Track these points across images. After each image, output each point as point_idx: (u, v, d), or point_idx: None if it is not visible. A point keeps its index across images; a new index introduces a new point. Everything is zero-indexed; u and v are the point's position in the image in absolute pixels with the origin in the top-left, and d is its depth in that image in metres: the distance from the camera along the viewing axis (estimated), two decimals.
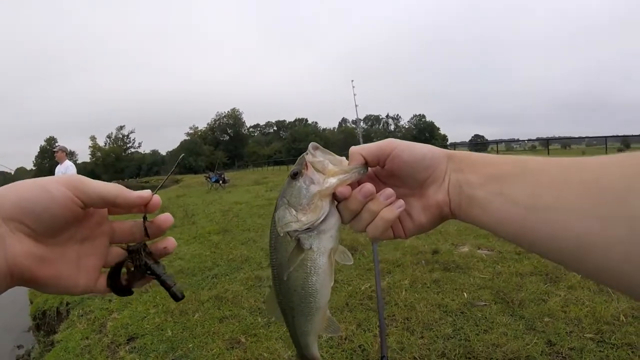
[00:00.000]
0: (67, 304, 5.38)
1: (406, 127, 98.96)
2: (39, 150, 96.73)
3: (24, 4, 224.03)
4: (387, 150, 0.62)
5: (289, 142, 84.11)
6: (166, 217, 0.60)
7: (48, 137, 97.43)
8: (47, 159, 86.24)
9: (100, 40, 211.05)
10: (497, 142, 29.45)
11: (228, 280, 5.15)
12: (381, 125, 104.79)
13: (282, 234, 0.65)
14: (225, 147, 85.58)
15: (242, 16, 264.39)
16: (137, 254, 0.56)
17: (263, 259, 5.92)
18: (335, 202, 0.65)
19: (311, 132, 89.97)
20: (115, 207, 0.55)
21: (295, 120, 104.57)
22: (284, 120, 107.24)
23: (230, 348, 3.53)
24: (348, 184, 0.63)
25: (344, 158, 0.66)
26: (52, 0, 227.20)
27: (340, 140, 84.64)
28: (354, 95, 3.42)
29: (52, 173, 8.04)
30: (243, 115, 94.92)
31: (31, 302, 6.40)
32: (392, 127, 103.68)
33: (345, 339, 3.39)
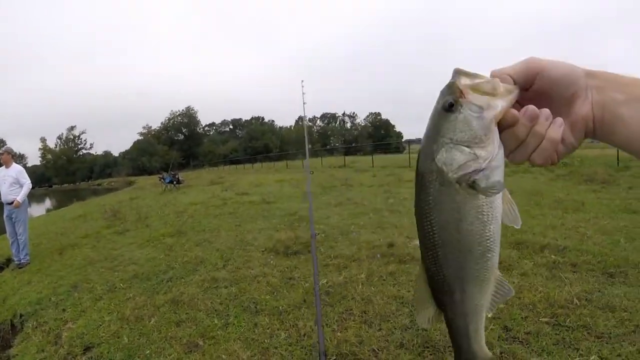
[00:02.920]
0: (21, 315, 5.17)
1: (362, 124, 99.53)
2: None
3: None
4: (536, 69, 0.59)
5: (246, 141, 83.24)
6: None
7: None
8: None
9: (44, 39, 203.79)
10: None
11: (183, 283, 5.07)
12: (337, 122, 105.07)
13: (452, 182, 0.56)
14: (180, 147, 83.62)
15: (197, 12, 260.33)
16: None
17: (218, 260, 5.89)
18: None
19: (267, 130, 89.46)
20: None
21: (252, 118, 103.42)
22: (240, 119, 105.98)
23: (189, 352, 3.50)
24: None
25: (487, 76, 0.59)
26: None
27: (296, 138, 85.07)
28: (303, 94, 3.42)
29: None
30: (198, 114, 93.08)
31: None
32: (348, 125, 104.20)
33: (304, 336, 3.43)
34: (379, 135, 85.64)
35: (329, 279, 4.50)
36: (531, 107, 0.57)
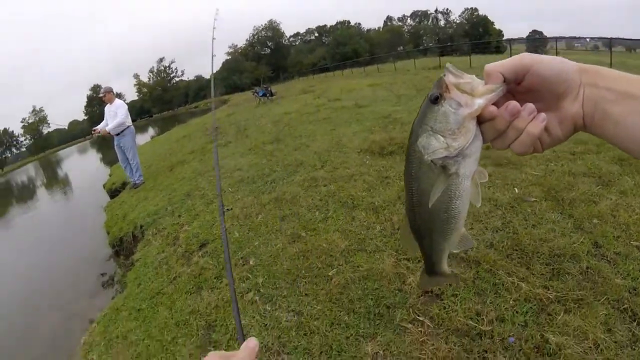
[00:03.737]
0: (141, 226, 5.83)
1: (457, 22, 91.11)
2: (86, 100, 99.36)
3: None
4: (526, 66, 0.61)
5: (333, 47, 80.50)
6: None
7: (93, 85, 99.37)
8: (96, 106, 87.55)
9: None
10: (556, 39, 27.02)
11: (285, 184, 5.36)
12: (430, 21, 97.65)
13: (427, 162, 0.64)
14: (267, 61, 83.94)
15: None
16: None
17: (316, 162, 6.07)
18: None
19: (355, 34, 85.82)
20: None
21: (337, 23, 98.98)
22: (325, 25, 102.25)
23: (292, 242, 3.78)
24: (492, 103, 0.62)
25: (473, 76, 0.64)
26: None
27: (386, 40, 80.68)
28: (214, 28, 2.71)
29: (102, 118, 8.37)
30: (281, 26, 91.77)
31: (108, 233, 6.93)
32: (442, 23, 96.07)
33: (397, 229, 3.52)
34: (477, 34, 77.77)
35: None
36: (513, 103, 0.60)
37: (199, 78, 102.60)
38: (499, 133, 0.63)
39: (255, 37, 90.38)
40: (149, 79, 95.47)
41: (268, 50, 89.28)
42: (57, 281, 6.27)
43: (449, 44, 65.83)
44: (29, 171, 50.48)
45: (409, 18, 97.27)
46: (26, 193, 26.43)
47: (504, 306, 2.44)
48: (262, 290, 3.20)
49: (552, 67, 0.60)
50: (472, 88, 0.62)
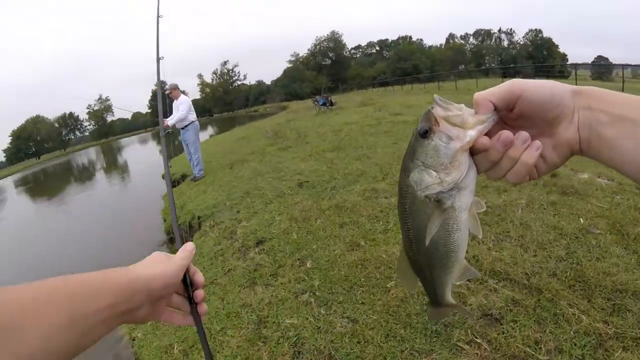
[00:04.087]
0: (199, 217, 6.01)
1: (521, 43, 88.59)
2: (151, 94, 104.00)
3: None
4: (517, 93, 0.59)
5: (394, 62, 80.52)
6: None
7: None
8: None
9: None
10: (623, 66, 25.75)
11: (346, 192, 5.34)
12: (493, 40, 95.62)
13: (421, 198, 0.63)
14: (328, 72, 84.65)
15: None
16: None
17: (378, 173, 6.03)
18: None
19: (416, 50, 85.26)
20: None
21: (399, 38, 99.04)
22: (387, 39, 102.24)
23: (351, 250, 3.75)
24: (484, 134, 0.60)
25: (462, 105, 0.62)
26: None
27: (447, 58, 79.73)
28: (157, 30, 2.21)
29: (165, 113, 8.78)
30: (343, 37, 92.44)
31: (164, 220, 7.24)
32: (505, 43, 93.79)
33: None
34: (540, 57, 76.15)
35: (488, 199, 4.39)
36: (505, 133, 0.58)
37: (259, 83, 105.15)
38: (493, 164, 0.61)
39: (317, 47, 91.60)
40: (212, 80, 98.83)
41: (329, 61, 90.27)
42: (110, 257, 6.60)
43: (512, 65, 64.46)
44: (90, 154, 52.91)
45: (471, 36, 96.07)
46: (85, 174, 27.78)
47: (563, 337, 2.35)
48: (317, 294, 3.20)
49: (543, 92, 0.58)
50: (462, 120, 0.60)
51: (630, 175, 0.55)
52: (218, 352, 2.87)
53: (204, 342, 0.91)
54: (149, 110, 76.63)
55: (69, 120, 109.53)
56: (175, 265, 0.72)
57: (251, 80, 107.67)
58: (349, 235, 4.03)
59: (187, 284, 0.79)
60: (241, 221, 5.20)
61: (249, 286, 3.59)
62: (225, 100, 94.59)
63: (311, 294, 3.22)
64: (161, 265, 0.69)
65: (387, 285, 3.11)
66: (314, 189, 5.75)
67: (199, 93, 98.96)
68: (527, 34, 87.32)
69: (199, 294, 0.81)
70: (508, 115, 0.62)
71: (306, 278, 3.46)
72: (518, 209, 4.07)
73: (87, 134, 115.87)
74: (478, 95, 0.61)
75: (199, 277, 0.82)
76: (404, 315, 2.75)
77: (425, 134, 0.61)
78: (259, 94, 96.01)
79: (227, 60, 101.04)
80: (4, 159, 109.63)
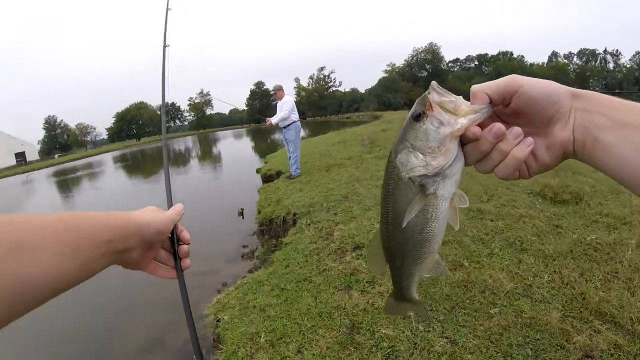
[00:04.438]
0: (294, 214, 6.17)
1: (627, 66, 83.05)
2: (249, 93, 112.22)
3: None
4: (514, 88, 0.59)
5: (493, 78, 78.09)
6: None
7: (257, 81, 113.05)
8: (257, 99, 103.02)
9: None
10: None
11: None
12: (598, 62, 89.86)
13: (405, 179, 0.63)
14: (423, 84, 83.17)
15: None
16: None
17: (483, 194, 5.88)
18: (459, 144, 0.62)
19: (517, 67, 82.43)
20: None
21: (499, 53, 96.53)
22: (486, 54, 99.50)
23: (454, 269, 3.68)
24: (476, 124, 0.60)
25: (460, 97, 0.63)
26: None
27: (550, 77, 76.55)
28: (165, 48, 1.77)
29: (261, 112, 9.16)
30: (441, 50, 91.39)
31: (259, 212, 7.46)
32: (610, 65, 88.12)
33: (566, 284, 3.29)
34: None
35: (598, 235, 4.14)
36: (497, 125, 0.59)
37: (353, 90, 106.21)
38: (483, 155, 0.62)
39: (414, 58, 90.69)
40: (308, 84, 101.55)
41: (425, 73, 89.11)
42: (201, 236, 6.94)
43: (617, 90, 60.22)
44: (187, 142, 55.94)
45: (575, 56, 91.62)
46: (181, 159, 29.39)
47: None
48: None
49: (541, 90, 0.59)
50: (454, 106, 0.61)
51: (624, 181, 0.55)
52: (306, 349, 2.92)
53: (184, 299, 0.97)
54: (246, 108, 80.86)
55: (171, 109, 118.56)
56: (166, 217, 0.80)
57: (346, 87, 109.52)
58: (452, 254, 3.95)
59: (174, 239, 0.87)
60: (338, 223, 5.26)
61: (343, 289, 3.62)
62: (319, 104, 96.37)
63: None
64: (154, 215, 0.77)
65: (491, 312, 3.03)
66: None
67: (295, 96, 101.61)
68: (634, 56, 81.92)
69: (184, 248, 0.88)
70: (504, 111, 0.63)
71: None
72: (628, 250, 3.82)
73: (185, 123, 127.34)
74: (475, 87, 0.62)
75: (185, 234, 0.89)
76: (505, 344, 2.68)
77: (418, 117, 0.62)
78: (352, 101, 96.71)
79: (324, 66, 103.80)
80: (106, 137, 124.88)
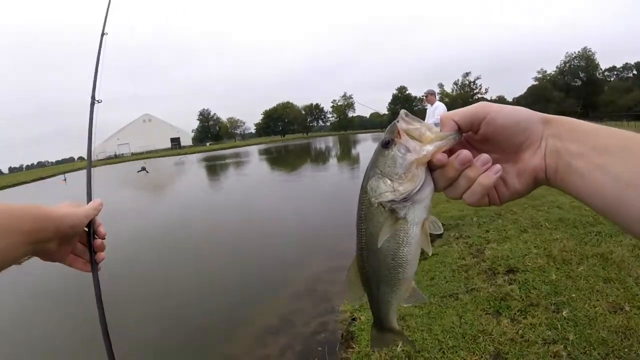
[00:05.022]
0: (442, 224, 6.08)
1: None
2: (391, 97, 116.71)
3: None
4: (482, 115, 0.60)
5: None
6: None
7: (399, 86, 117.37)
8: (399, 104, 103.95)
9: None
10: None
11: (613, 242, 4.80)
12: None
13: (375, 205, 0.65)
14: (577, 94, 76.50)
15: None
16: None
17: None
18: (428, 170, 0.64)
19: None
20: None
21: None
22: None
23: (613, 312, 3.38)
24: (443, 151, 0.61)
25: (430, 124, 0.64)
26: None
27: None
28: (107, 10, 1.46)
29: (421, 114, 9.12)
30: (596, 56, 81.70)
31: None
32: None
33: None
34: None
35: None
36: (464, 152, 0.60)
37: (500, 98, 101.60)
38: (450, 181, 0.63)
39: (567, 65, 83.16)
40: (452, 90, 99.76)
41: (579, 82, 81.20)
42: (321, 230, 7.37)
43: None
44: (327, 141, 57.87)
45: None
46: (321, 157, 30.49)
47: None
48: (569, 349, 2.96)
49: (509, 116, 0.59)
50: (419, 134, 0.62)
51: (598, 208, 0.54)
52: None
53: (97, 290, 1.01)
54: (387, 113, 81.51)
55: (314, 110, 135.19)
56: (82, 212, 0.84)
57: (492, 94, 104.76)
58: (612, 295, 3.62)
59: (90, 233, 0.92)
60: (490, 242, 5.17)
61: (492, 313, 3.54)
62: None
63: (564, 347, 2.99)
64: (69, 209, 0.81)
65: None
66: (576, 229, 5.32)
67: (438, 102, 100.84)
68: None
69: (98, 242, 0.92)
70: (474, 137, 0.64)
71: (559, 327, 3.23)
72: None
73: (328, 124, 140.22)
74: (444, 114, 0.63)
75: (101, 229, 0.93)
76: None
77: (387, 144, 0.65)
78: None
79: (470, 72, 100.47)
80: (253, 131, 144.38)
